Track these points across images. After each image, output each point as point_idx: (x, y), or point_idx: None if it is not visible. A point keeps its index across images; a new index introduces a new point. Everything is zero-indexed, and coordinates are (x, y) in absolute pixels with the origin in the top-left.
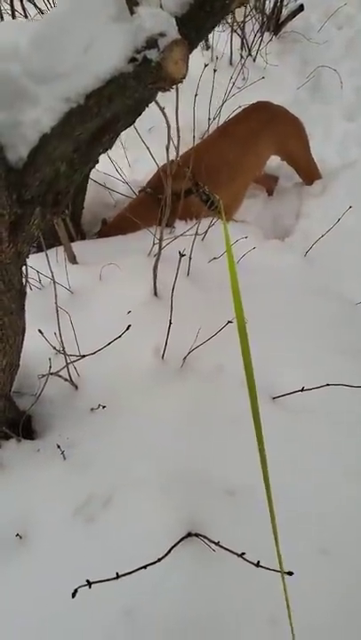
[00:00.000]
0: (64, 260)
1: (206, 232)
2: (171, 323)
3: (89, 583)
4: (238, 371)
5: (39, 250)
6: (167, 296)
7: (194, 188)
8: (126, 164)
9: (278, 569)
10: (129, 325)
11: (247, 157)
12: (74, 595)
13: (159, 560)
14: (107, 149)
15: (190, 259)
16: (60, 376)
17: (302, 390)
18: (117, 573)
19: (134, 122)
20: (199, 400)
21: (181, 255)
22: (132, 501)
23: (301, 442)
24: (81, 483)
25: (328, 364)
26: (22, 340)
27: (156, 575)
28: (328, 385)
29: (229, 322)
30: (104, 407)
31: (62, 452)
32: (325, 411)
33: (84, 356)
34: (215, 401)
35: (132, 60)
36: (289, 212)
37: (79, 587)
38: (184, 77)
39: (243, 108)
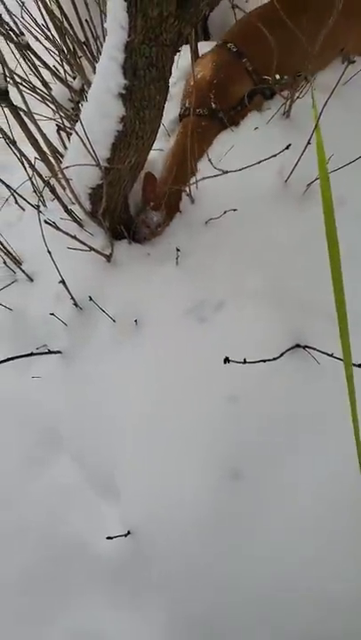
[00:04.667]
0: (190, 58)
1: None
2: (309, 142)
3: (228, 360)
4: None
5: None
6: (299, 117)
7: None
8: None
9: None
10: (257, 162)
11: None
12: (225, 361)
13: (275, 359)
14: None
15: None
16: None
17: None
18: (245, 359)
19: None
20: (316, 229)
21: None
22: (243, 309)
23: None
24: (193, 287)
25: None
26: (153, 141)
27: (262, 374)
28: None
29: None
30: (223, 214)
31: (177, 258)
32: None
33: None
34: None
35: None
36: None
37: (226, 357)
38: None
39: None
